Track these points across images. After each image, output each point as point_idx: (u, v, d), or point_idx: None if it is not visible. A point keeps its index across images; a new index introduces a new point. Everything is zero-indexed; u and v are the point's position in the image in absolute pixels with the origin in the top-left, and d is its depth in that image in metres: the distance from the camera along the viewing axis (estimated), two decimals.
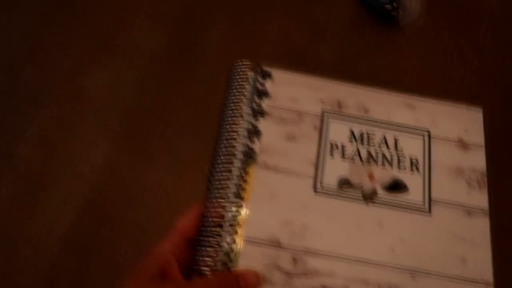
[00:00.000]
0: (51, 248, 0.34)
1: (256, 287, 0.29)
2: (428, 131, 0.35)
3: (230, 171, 0.32)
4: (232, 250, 0.30)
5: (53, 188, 0.36)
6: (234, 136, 0.34)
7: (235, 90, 0.36)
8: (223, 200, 0.31)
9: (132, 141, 0.38)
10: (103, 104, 0.40)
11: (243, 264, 0.29)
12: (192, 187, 0.35)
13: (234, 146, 0.33)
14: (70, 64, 0.41)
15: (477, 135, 0.36)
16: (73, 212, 0.35)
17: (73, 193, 0.36)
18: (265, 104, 0.35)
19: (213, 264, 0.29)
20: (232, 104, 0.35)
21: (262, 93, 0.36)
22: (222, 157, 0.33)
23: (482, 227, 0.32)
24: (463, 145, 0.35)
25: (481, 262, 0.31)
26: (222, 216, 0.30)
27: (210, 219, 0.31)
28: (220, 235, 0.30)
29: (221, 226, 0.30)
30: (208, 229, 0.30)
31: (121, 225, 0.35)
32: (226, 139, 0.34)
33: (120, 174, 0.37)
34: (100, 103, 0.40)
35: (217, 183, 0.32)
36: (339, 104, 0.36)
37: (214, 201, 0.31)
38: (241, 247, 0.30)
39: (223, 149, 0.33)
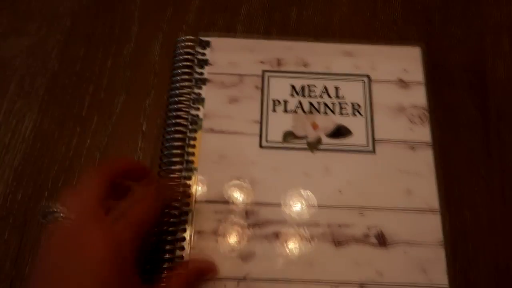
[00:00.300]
0: None
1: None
2: (368, 76, 0.36)
3: (178, 140, 0.34)
4: (187, 212, 0.32)
5: None
6: (180, 107, 0.35)
7: (179, 64, 0.37)
8: (175, 167, 0.33)
9: (62, 106, 0.38)
10: (25, 72, 0.40)
11: (198, 222, 0.31)
12: (130, 146, 0.36)
13: (179, 116, 0.35)
14: None
15: (416, 74, 0.36)
16: (5, 186, 0.35)
17: (3, 166, 0.36)
18: (206, 71, 0.36)
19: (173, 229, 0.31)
20: (177, 77, 0.36)
21: (203, 62, 0.37)
22: (170, 127, 0.34)
23: (426, 159, 0.34)
24: (403, 84, 0.36)
25: (426, 191, 0.33)
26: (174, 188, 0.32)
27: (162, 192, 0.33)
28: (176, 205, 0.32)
29: (177, 198, 0.32)
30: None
31: (60, 192, 0.35)
32: (172, 110, 0.35)
33: (52, 142, 0.37)
34: (22, 71, 0.40)
35: (167, 151, 0.34)
36: (279, 62, 0.37)
37: (166, 168, 0.33)
38: (195, 208, 0.32)
39: (171, 120, 0.35)
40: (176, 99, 0.36)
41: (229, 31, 0.40)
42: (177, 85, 0.36)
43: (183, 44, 0.38)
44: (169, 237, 0.31)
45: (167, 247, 0.30)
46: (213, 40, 0.38)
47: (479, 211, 0.33)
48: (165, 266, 0.30)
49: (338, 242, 0.31)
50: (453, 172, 0.34)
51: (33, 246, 0.33)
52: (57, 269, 0.25)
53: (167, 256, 0.30)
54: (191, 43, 0.38)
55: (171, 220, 0.31)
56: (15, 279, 0.32)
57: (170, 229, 0.31)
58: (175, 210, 0.31)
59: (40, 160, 0.36)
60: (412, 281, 0.30)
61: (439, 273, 0.30)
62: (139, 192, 0.29)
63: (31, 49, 0.40)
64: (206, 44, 0.38)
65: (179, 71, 0.37)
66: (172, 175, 0.33)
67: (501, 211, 0.33)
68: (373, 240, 0.31)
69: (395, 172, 0.33)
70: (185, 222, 0.31)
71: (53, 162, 0.36)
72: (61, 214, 0.26)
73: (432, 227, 0.31)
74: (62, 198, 0.27)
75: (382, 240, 0.31)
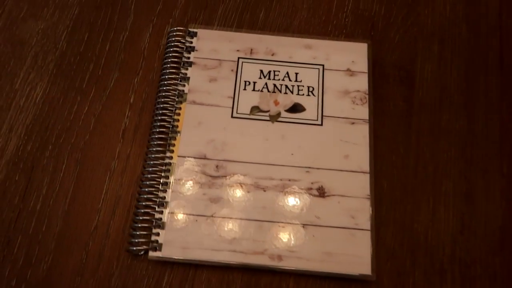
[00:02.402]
0: (0, 168, 0.42)
1: None
2: (323, 65, 0.45)
3: (166, 109, 0.42)
4: (170, 163, 0.40)
5: None
6: (169, 83, 0.43)
7: (171, 49, 0.45)
8: (163, 129, 0.41)
9: (66, 79, 0.47)
10: (39, 50, 0.48)
11: (179, 172, 0.40)
12: (119, 114, 0.44)
13: (169, 91, 0.43)
14: (7, 15, 0.49)
15: (362, 65, 0.45)
16: (18, 139, 0.44)
17: (17, 123, 0.44)
18: (192, 56, 0.45)
19: (158, 175, 0.39)
20: (168, 59, 0.45)
21: (190, 49, 0.45)
22: (161, 99, 0.43)
23: (363, 132, 0.42)
24: (350, 73, 0.45)
25: (360, 157, 0.41)
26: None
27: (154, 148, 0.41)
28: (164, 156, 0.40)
29: (164, 151, 0.41)
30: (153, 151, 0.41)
31: (61, 146, 0.43)
32: (164, 86, 0.43)
33: (57, 107, 0.45)
34: (36, 49, 0.48)
35: (158, 118, 0.42)
36: (251, 51, 0.45)
37: (156, 130, 0.41)
38: (177, 161, 0.40)
39: (163, 93, 0.43)
40: (167, 76, 0.44)
41: (207, 25, 0.48)
42: (168, 65, 0.44)
43: (174, 34, 0.46)
44: (157, 182, 0.39)
45: (154, 189, 0.39)
46: (199, 31, 0.46)
47: (394, 181, 0.42)
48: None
49: (287, 192, 0.39)
50: (380, 147, 0.43)
51: (37, 187, 0.41)
52: None
53: (153, 197, 0.39)
54: (181, 33, 0.46)
55: (160, 169, 0.40)
56: (22, 210, 0.40)
57: (158, 175, 0.39)
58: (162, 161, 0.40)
59: (47, 120, 0.44)
60: (343, 225, 0.39)
61: (364, 220, 0.39)
62: None
63: (45, 31, 0.49)
64: (193, 34, 0.46)
65: (171, 55, 0.45)
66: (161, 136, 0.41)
67: (412, 183, 0.42)
68: (315, 192, 0.40)
69: (337, 141, 0.42)
70: (169, 171, 0.40)
71: (57, 123, 0.44)
72: None
73: (362, 184, 0.40)
74: None
75: (321, 192, 0.40)
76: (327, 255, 0.38)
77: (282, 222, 0.38)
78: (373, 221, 0.39)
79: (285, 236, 0.38)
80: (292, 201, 0.39)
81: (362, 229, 0.38)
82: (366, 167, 0.41)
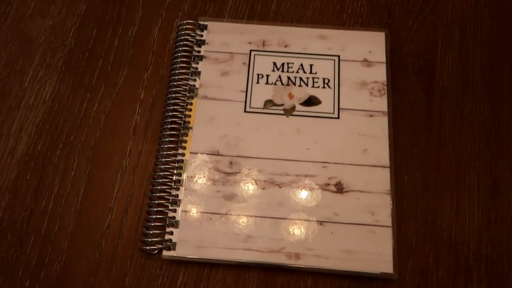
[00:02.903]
0: (12, 167, 0.42)
1: None
2: (338, 56, 0.43)
3: (178, 104, 0.41)
4: (182, 160, 0.39)
5: (9, 119, 0.44)
6: (180, 78, 0.42)
7: (181, 43, 0.44)
8: (175, 126, 0.40)
9: (75, 77, 0.46)
10: (48, 47, 0.47)
11: (191, 169, 0.39)
12: (129, 111, 0.43)
13: (180, 86, 0.42)
14: (15, 13, 0.49)
15: (379, 55, 0.43)
16: (29, 137, 0.43)
17: (27, 122, 0.44)
18: (203, 50, 0.44)
19: (170, 172, 0.38)
20: (178, 54, 0.44)
21: (200, 42, 0.44)
22: (172, 94, 0.42)
23: (381, 125, 0.40)
24: (367, 63, 0.43)
25: (379, 151, 0.40)
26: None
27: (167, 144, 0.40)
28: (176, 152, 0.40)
29: (176, 148, 0.40)
30: (165, 148, 0.40)
31: (72, 145, 0.43)
32: (174, 81, 0.42)
33: (66, 105, 0.44)
34: (45, 46, 0.47)
35: (170, 114, 0.41)
36: (264, 43, 0.44)
37: (167, 126, 0.40)
38: (189, 158, 0.39)
39: (173, 88, 0.42)
40: (177, 71, 0.43)
41: (217, 17, 0.47)
42: (178, 60, 0.43)
43: (184, 27, 0.45)
44: (169, 180, 0.38)
45: (167, 187, 0.38)
46: (210, 24, 0.45)
47: (415, 175, 0.40)
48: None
49: (303, 188, 0.38)
50: (400, 140, 0.41)
51: (48, 186, 0.41)
52: None
53: (165, 195, 0.38)
54: (191, 26, 0.45)
55: (172, 166, 0.39)
56: (34, 210, 0.40)
57: (171, 172, 0.38)
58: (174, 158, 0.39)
59: (57, 118, 0.44)
60: (362, 221, 0.37)
61: (385, 216, 0.37)
62: None
63: (53, 28, 0.48)
64: (203, 27, 0.45)
65: (181, 49, 0.44)
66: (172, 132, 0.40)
67: (434, 177, 0.40)
68: (333, 188, 0.38)
69: (355, 135, 0.40)
70: (181, 168, 0.39)
71: (67, 121, 0.43)
72: None
73: (381, 179, 0.38)
74: None
75: (340, 188, 0.38)
76: (346, 253, 0.36)
77: (299, 219, 0.37)
78: (394, 217, 0.38)
79: (302, 234, 0.37)
80: (309, 197, 0.38)
81: (383, 226, 0.37)
82: (386, 161, 0.39)
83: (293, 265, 0.36)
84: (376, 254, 0.36)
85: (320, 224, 0.37)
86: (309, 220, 0.37)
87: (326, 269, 0.36)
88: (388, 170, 0.39)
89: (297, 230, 0.37)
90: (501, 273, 0.37)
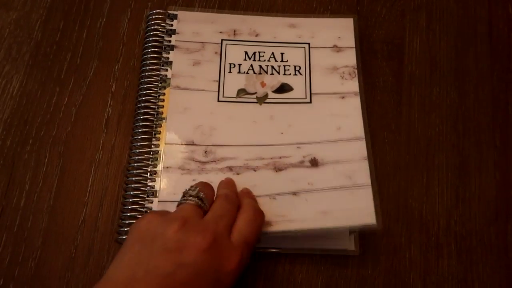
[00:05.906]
0: None
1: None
2: (308, 44, 0.44)
3: (150, 95, 0.41)
4: (157, 151, 0.39)
5: None
6: (151, 68, 0.42)
7: (151, 33, 0.44)
8: (148, 117, 0.40)
9: (44, 70, 0.45)
10: (13, 41, 0.46)
11: (167, 160, 0.38)
12: (101, 104, 0.43)
13: (151, 77, 0.42)
14: None
15: (349, 40, 0.44)
16: None
17: None
18: (173, 39, 0.43)
19: (145, 163, 0.38)
20: (149, 44, 0.43)
21: (171, 32, 0.44)
22: (143, 85, 0.41)
23: (354, 104, 0.41)
24: (337, 49, 0.44)
25: (353, 126, 0.40)
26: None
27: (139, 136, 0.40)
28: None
29: (150, 139, 0.39)
30: (138, 139, 0.39)
31: (43, 140, 0.42)
32: (145, 71, 0.42)
33: (35, 100, 0.43)
34: (10, 40, 0.46)
35: (142, 105, 0.41)
36: (235, 32, 0.44)
37: (140, 117, 0.40)
38: (164, 148, 0.39)
39: (145, 79, 0.42)
40: (148, 62, 0.43)
41: (188, 6, 0.46)
42: (149, 50, 0.43)
43: (154, 17, 0.44)
44: (144, 171, 0.38)
45: (142, 178, 0.38)
46: (180, 13, 0.44)
47: (386, 157, 0.41)
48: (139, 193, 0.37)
49: (278, 169, 0.39)
50: (372, 123, 0.42)
51: (19, 183, 0.40)
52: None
53: (141, 186, 0.37)
54: (161, 16, 0.45)
55: (147, 157, 0.39)
56: (6, 207, 0.39)
57: (145, 163, 0.38)
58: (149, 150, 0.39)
59: (26, 114, 0.43)
60: (339, 185, 0.37)
61: (363, 177, 0.37)
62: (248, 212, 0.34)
63: (18, 22, 0.46)
64: (173, 17, 0.44)
65: (151, 39, 0.43)
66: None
67: (404, 159, 0.41)
68: (307, 164, 0.39)
69: (327, 116, 0.41)
70: (156, 159, 0.39)
71: (36, 116, 0.43)
72: (202, 194, 0.33)
73: (358, 149, 0.39)
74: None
75: (314, 163, 0.39)
76: (322, 214, 0.36)
77: (272, 194, 0.37)
78: (374, 177, 0.38)
79: (275, 207, 0.37)
80: (283, 175, 0.38)
81: (362, 185, 0.37)
82: (361, 134, 0.39)
83: (266, 232, 0.35)
84: (356, 210, 0.36)
85: (294, 194, 0.37)
86: (283, 194, 0.37)
87: (302, 230, 0.35)
88: (363, 141, 0.39)
89: (269, 204, 0.37)
90: (469, 248, 0.39)
